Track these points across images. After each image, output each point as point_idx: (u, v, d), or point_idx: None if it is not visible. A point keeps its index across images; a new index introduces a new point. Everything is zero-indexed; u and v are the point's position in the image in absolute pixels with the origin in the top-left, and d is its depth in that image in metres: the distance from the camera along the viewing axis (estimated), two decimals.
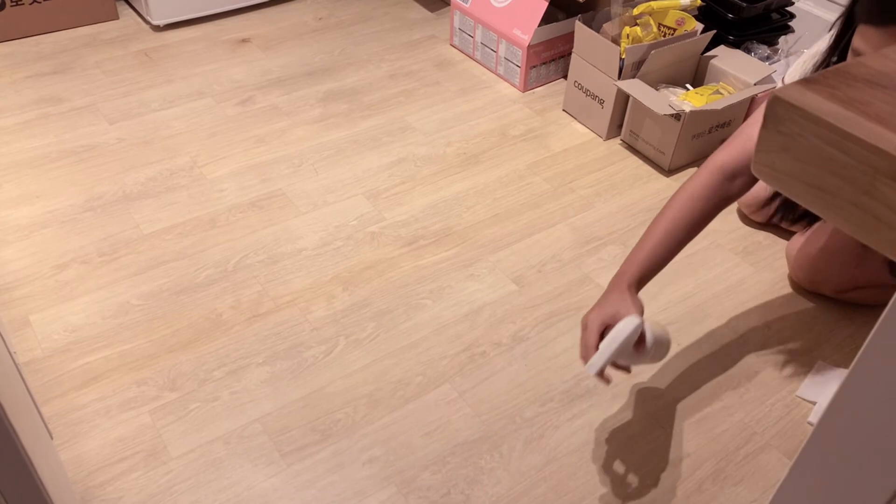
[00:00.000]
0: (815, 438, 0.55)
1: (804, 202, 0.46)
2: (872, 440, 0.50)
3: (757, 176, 0.49)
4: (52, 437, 1.16)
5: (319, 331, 1.36)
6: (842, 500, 0.53)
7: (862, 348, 0.48)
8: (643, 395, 1.28)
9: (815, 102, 0.44)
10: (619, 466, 1.18)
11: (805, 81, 0.46)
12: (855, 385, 0.51)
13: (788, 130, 0.45)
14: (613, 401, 1.27)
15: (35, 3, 2.08)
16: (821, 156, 0.44)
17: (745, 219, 1.65)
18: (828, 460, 0.54)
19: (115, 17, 2.23)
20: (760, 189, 1.56)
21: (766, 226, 1.63)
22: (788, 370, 1.33)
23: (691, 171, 1.78)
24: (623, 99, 1.80)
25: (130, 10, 2.28)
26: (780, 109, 0.45)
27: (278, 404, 1.24)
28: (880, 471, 0.50)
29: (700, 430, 1.23)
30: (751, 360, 1.35)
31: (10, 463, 0.58)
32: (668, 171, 1.77)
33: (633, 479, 1.16)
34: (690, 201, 1.14)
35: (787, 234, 1.61)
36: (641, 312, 1.06)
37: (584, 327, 1.07)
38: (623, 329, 1.01)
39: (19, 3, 2.06)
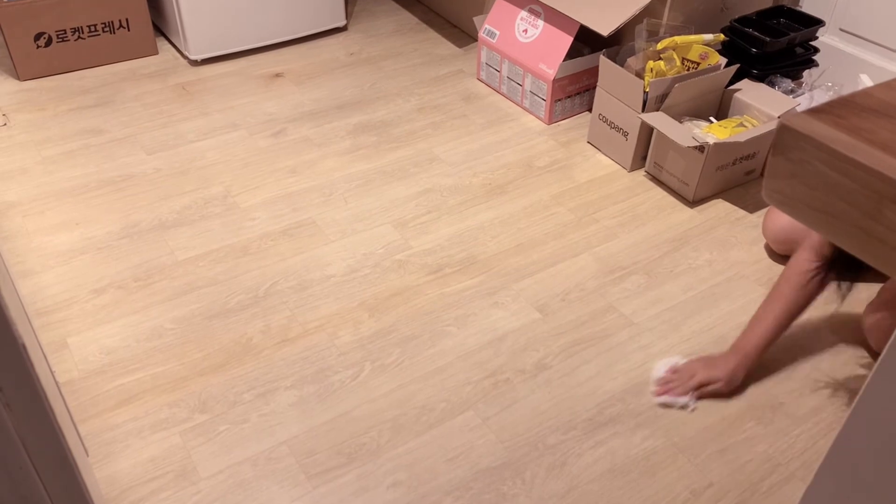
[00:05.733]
0: (829, 462, 0.56)
1: (812, 226, 0.48)
2: (884, 465, 0.51)
3: (767, 201, 0.51)
4: (87, 455, 1.20)
5: (346, 356, 1.39)
6: None
7: (870, 374, 0.50)
8: (666, 425, 1.28)
9: (822, 130, 0.46)
10: (641, 495, 1.18)
11: (812, 111, 0.48)
12: (865, 410, 0.52)
13: (797, 157, 0.47)
14: (636, 429, 1.27)
15: (80, 40, 2.17)
16: (828, 182, 0.46)
17: (771, 251, 1.65)
18: (842, 483, 0.55)
19: (155, 52, 2.31)
20: (786, 223, 1.57)
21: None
22: (813, 402, 1.33)
23: (715, 202, 1.79)
24: (647, 131, 1.82)
25: (169, 46, 2.37)
26: (788, 137, 0.47)
27: (305, 427, 1.26)
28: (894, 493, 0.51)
29: (724, 461, 1.23)
30: (775, 392, 1.34)
31: (64, 476, 0.61)
32: (692, 203, 1.78)
33: None
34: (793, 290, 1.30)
35: None
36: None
37: (688, 376, 1.33)
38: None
39: (65, 39, 2.15)
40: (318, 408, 1.30)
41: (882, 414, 0.50)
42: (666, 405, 1.32)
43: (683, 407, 1.31)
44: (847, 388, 1.35)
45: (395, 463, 1.21)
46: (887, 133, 0.46)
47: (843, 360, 1.41)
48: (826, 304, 1.52)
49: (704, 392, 1.32)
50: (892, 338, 0.48)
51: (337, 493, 1.17)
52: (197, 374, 1.35)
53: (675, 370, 1.35)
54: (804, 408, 1.32)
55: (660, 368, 1.37)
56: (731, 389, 1.33)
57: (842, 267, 1.35)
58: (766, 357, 1.41)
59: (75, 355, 1.38)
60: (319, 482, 1.18)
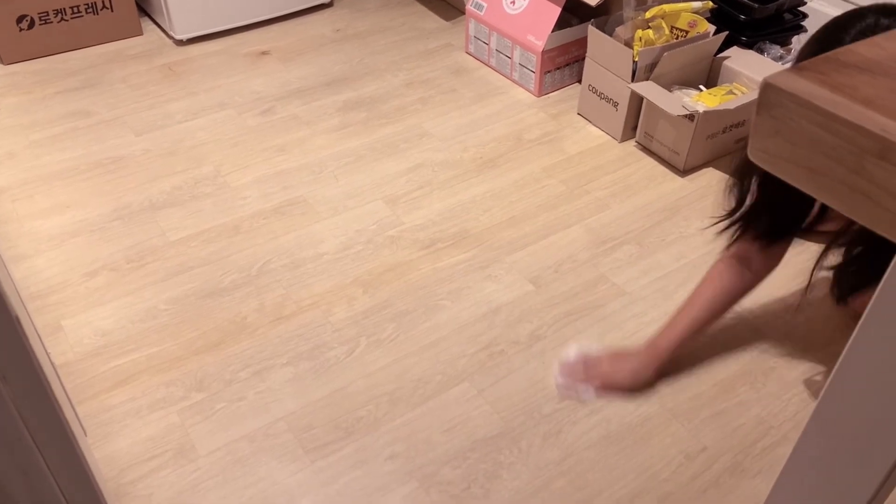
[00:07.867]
0: (816, 419, 0.57)
1: (797, 183, 0.49)
2: (869, 419, 0.52)
3: (753, 160, 0.51)
4: (86, 435, 1.21)
5: (341, 332, 1.39)
6: (842, 474, 0.55)
7: (855, 331, 0.50)
8: (660, 391, 1.30)
9: (805, 87, 0.46)
10: (636, 460, 1.19)
11: (796, 68, 0.48)
12: (851, 366, 0.53)
13: (780, 115, 0.48)
14: (630, 396, 1.28)
15: (63, 22, 2.15)
16: (811, 138, 0.46)
17: None
18: (828, 439, 0.56)
19: (140, 32, 2.29)
20: None
21: None
22: (805, 365, 1.34)
23: (706, 171, 1.79)
24: (637, 101, 1.82)
25: (154, 26, 2.34)
26: (771, 95, 0.48)
27: (302, 403, 1.27)
28: (879, 448, 0.52)
29: (717, 425, 1.25)
30: (767, 356, 1.36)
31: (65, 454, 0.62)
32: (683, 172, 1.79)
33: (650, 473, 1.18)
34: (712, 292, 1.26)
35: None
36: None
37: (588, 367, 1.30)
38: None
39: (48, 22, 2.13)
40: (315, 384, 1.30)
41: (863, 371, 0.51)
42: (564, 390, 1.29)
43: (579, 396, 1.28)
44: (838, 352, 1.37)
45: (392, 435, 1.22)
46: (869, 88, 0.46)
47: (835, 325, 1.42)
48: (818, 271, 1.53)
49: (608, 384, 1.28)
50: (871, 302, 0.49)
51: (335, 466, 1.18)
52: (192, 353, 1.35)
53: (584, 358, 1.32)
54: (796, 371, 1.33)
55: (570, 353, 1.34)
56: (638, 385, 1.29)
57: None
58: (758, 323, 1.42)
59: (70, 338, 1.38)
60: (317, 456, 1.19)
